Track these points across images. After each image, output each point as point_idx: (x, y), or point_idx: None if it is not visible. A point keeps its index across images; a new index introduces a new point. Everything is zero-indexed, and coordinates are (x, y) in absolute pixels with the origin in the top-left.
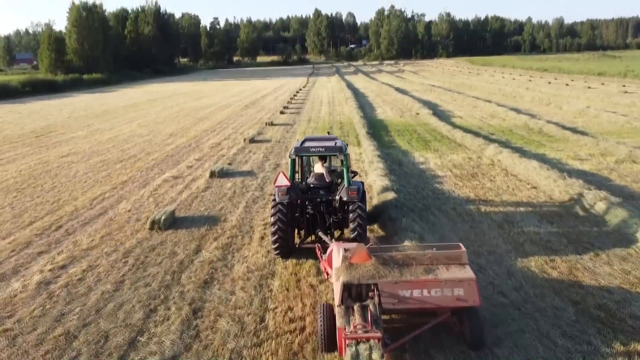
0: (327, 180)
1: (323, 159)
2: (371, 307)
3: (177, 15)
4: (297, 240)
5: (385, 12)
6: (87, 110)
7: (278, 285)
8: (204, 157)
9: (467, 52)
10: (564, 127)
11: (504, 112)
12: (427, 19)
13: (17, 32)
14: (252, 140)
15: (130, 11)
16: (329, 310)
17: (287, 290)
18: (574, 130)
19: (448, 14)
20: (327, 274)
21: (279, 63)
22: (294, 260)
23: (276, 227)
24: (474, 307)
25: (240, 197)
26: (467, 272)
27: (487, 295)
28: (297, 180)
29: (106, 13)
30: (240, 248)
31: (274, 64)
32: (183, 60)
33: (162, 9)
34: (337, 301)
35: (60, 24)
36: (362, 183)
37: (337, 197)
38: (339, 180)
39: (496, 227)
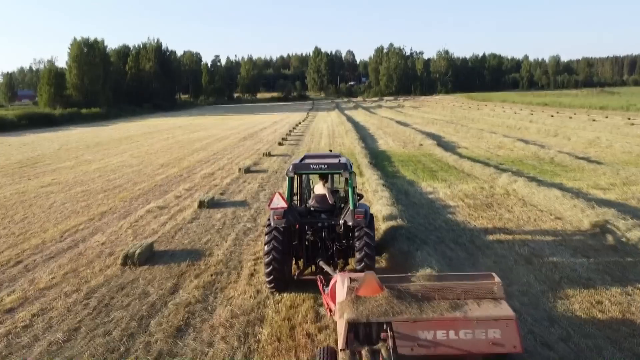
0: (329, 202)
1: (324, 178)
2: (383, 352)
3: (179, 53)
4: (294, 271)
5: (384, 50)
6: (80, 142)
7: (267, 333)
8: (195, 187)
9: (466, 88)
10: (576, 157)
11: (511, 143)
12: (425, 56)
13: (21, 70)
14: (248, 170)
15: (132, 47)
16: (330, 355)
17: (279, 340)
18: (588, 160)
19: (446, 52)
20: (330, 310)
21: (279, 99)
22: (288, 302)
23: (270, 255)
24: (515, 356)
25: (230, 229)
26: (504, 309)
27: (528, 347)
28: (295, 202)
29: (108, 49)
30: (225, 287)
31: (274, 100)
32: (184, 96)
33: (163, 46)
34: (340, 344)
35: (63, 61)
36: (369, 207)
37: (341, 222)
38: (342, 205)
39: (524, 262)
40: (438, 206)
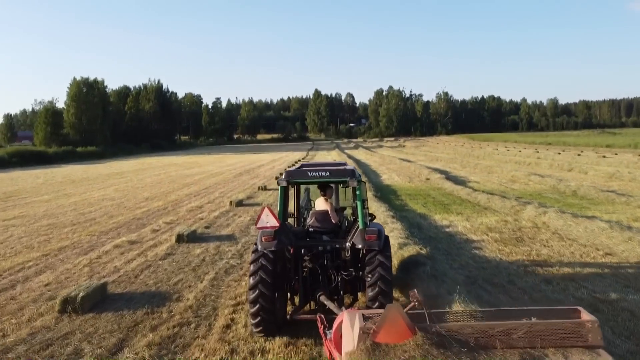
0: (333, 221)
1: (326, 191)
2: None
3: (180, 95)
4: (289, 309)
5: (384, 92)
6: (66, 178)
7: None
8: (178, 221)
9: (466, 130)
10: (601, 190)
11: (525, 177)
12: (424, 98)
13: (24, 112)
14: (240, 204)
15: (132, 88)
16: None
17: None
18: (615, 193)
19: (445, 93)
20: None
21: (279, 140)
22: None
23: (257, 290)
24: None
25: (209, 267)
26: None
27: None
28: (290, 222)
29: (108, 90)
30: (189, 344)
31: (274, 140)
32: (184, 137)
33: (164, 87)
34: None
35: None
36: (383, 227)
37: (348, 245)
38: (349, 224)
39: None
40: (459, 240)
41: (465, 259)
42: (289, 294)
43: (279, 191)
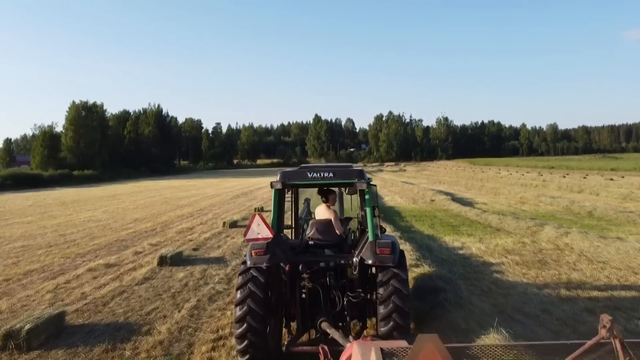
0: (337, 232)
1: (329, 198)
2: None
3: (181, 120)
4: (284, 339)
5: (384, 118)
6: (56, 200)
7: None
8: (165, 242)
9: (467, 154)
10: (619, 211)
11: (535, 198)
12: (424, 123)
13: (24, 137)
14: (234, 225)
15: (132, 113)
16: None
17: None
18: (635, 214)
19: (445, 118)
20: None
21: (279, 165)
22: None
23: (246, 305)
24: None
25: (191, 293)
26: None
27: None
28: (285, 233)
29: (108, 114)
30: None
31: (274, 165)
32: (184, 162)
33: (164, 111)
34: None
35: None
36: (396, 239)
37: (356, 260)
38: (355, 237)
39: None
40: (476, 263)
41: (486, 283)
42: (284, 319)
43: (273, 196)
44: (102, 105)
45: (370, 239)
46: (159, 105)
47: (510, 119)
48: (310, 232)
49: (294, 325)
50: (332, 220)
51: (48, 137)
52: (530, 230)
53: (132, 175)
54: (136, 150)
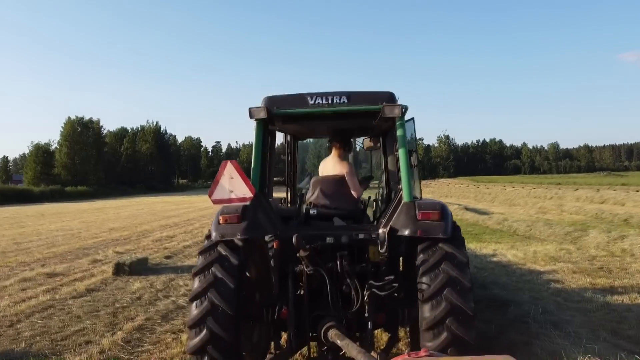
0: (353, 193)
1: (341, 142)
2: None
3: (180, 139)
4: (270, 352)
5: None
6: (38, 212)
7: None
8: (134, 250)
9: (468, 173)
10: None
11: (556, 207)
12: (425, 142)
13: (23, 156)
14: None
15: (129, 130)
16: None
17: None
18: None
19: (447, 137)
20: None
21: (277, 183)
22: None
23: (207, 301)
24: None
25: (140, 309)
26: None
27: None
28: (279, 198)
29: (105, 131)
30: None
31: (275, 183)
32: (182, 181)
33: (162, 129)
34: None
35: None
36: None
37: (383, 233)
38: (379, 202)
39: None
40: (521, 272)
41: (546, 295)
42: (270, 326)
43: (255, 134)
44: (98, 121)
45: (406, 199)
46: (157, 123)
47: (510, 139)
48: (312, 194)
49: (284, 337)
50: (346, 176)
51: (41, 152)
52: (570, 237)
53: (127, 193)
54: (133, 167)
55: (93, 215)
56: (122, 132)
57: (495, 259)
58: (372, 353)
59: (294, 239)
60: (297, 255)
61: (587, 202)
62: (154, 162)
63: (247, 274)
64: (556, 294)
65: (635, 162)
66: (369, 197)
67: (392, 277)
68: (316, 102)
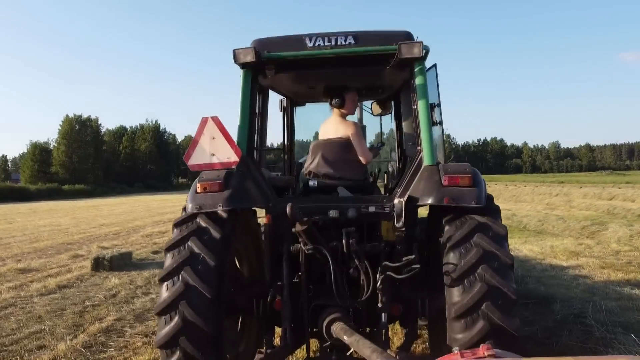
0: (361, 159)
1: (344, 97)
2: None
3: (180, 138)
4: (259, 352)
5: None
6: (31, 209)
7: None
8: (121, 245)
9: None
10: None
11: (565, 203)
12: None
13: (23, 155)
14: None
15: (128, 128)
16: None
17: None
18: None
19: (448, 136)
20: None
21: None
22: None
23: (176, 295)
24: None
25: (112, 308)
26: None
27: None
28: (277, 170)
29: (104, 129)
30: None
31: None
32: (182, 180)
33: (161, 127)
34: None
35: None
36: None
37: (400, 203)
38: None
39: None
40: (542, 267)
41: (577, 293)
42: (260, 319)
43: (241, 84)
44: (96, 120)
45: (427, 162)
46: (156, 121)
47: (511, 138)
48: (311, 162)
49: (278, 335)
50: (352, 138)
51: (39, 151)
52: (586, 231)
53: (125, 191)
54: (132, 166)
55: (87, 212)
56: (121, 131)
57: (514, 252)
58: (389, 352)
59: (287, 209)
60: (293, 230)
61: (595, 198)
62: (153, 161)
63: (232, 256)
64: (588, 290)
65: (636, 161)
66: (379, 169)
67: (413, 256)
68: (316, 44)
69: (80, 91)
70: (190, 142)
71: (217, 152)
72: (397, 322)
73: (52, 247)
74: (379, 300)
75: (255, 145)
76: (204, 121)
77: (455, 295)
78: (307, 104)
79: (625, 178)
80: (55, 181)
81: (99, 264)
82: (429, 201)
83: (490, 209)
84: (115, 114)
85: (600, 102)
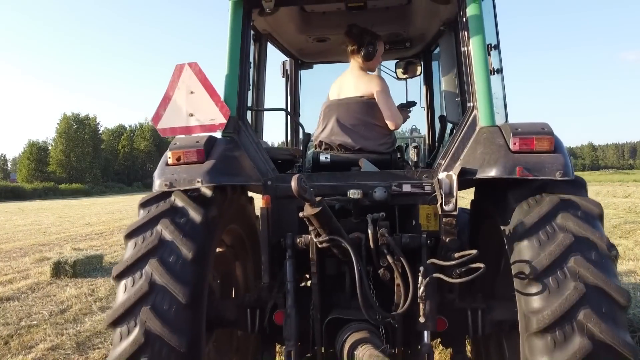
0: (389, 124)
1: (365, 47)
2: None
3: None
4: None
5: None
6: (18, 207)
7: None
8: (98, 247)
9: None
10: None
11: None
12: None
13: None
14: None
15: (127, 127)
16: None
17: None
18: None
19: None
20: None
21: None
22: None
23: (139, 296)
24: None
25: (55, 329)
26: None
27: None
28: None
29: (103, 128)
30: None
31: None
32: None
33: None
34: None
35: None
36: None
37: (449, 175)
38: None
39: None
40: None
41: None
42: (257, 334)
43: (229, 21)
44: (94, 118)
45: (485, 122)
46: None
47: None
48: (322, 129)
49: (280, 352)
50: (377, 95)
51: (36, 149)
52: (620, 230)
53: (123, 191)
54: (131, 165)
55: (76, 210)
56: (119, 130)
57: None
58: None
59: (292, 183)
60: (301, 216)
61: (610, 196)
62: (152, 160)
63: (218, 250)
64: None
65: (639, 160)
66: (406, 143)
67: (475, 251)
68: None
69: (81, 91)
70: (161, 99)
71: (196, 111)
72: (439, 340)
73: (20, 248)
74: (421, 313)
75: (249, 105)
76: (178, 69)
77: (534, 301)
78: (314, 67)
79: (631, 177)
80: (52, 180)
81: (59, 270)
82: (492, 173)
83: (577, 182)
84: (115, 114)
85: (603, 101)
